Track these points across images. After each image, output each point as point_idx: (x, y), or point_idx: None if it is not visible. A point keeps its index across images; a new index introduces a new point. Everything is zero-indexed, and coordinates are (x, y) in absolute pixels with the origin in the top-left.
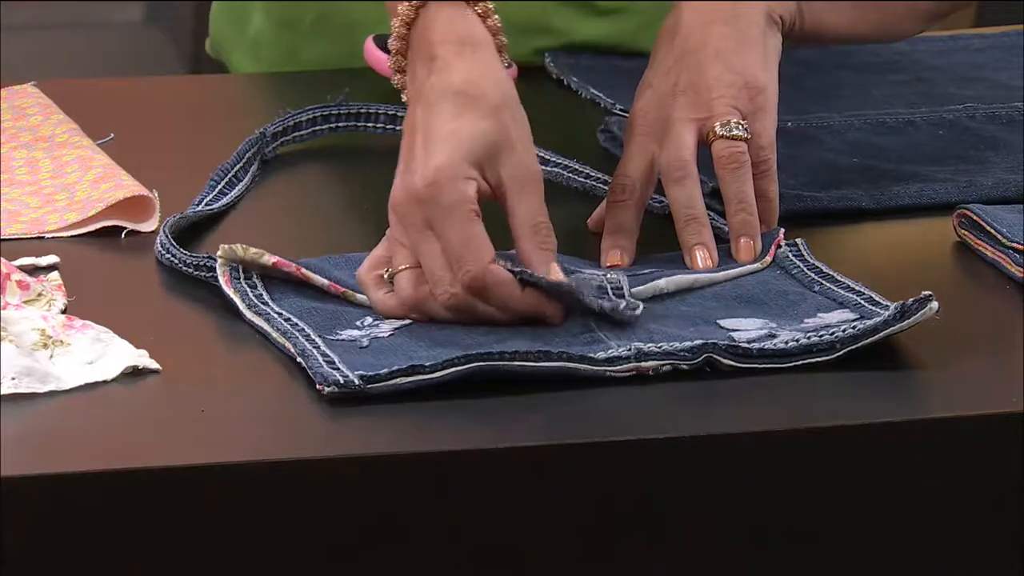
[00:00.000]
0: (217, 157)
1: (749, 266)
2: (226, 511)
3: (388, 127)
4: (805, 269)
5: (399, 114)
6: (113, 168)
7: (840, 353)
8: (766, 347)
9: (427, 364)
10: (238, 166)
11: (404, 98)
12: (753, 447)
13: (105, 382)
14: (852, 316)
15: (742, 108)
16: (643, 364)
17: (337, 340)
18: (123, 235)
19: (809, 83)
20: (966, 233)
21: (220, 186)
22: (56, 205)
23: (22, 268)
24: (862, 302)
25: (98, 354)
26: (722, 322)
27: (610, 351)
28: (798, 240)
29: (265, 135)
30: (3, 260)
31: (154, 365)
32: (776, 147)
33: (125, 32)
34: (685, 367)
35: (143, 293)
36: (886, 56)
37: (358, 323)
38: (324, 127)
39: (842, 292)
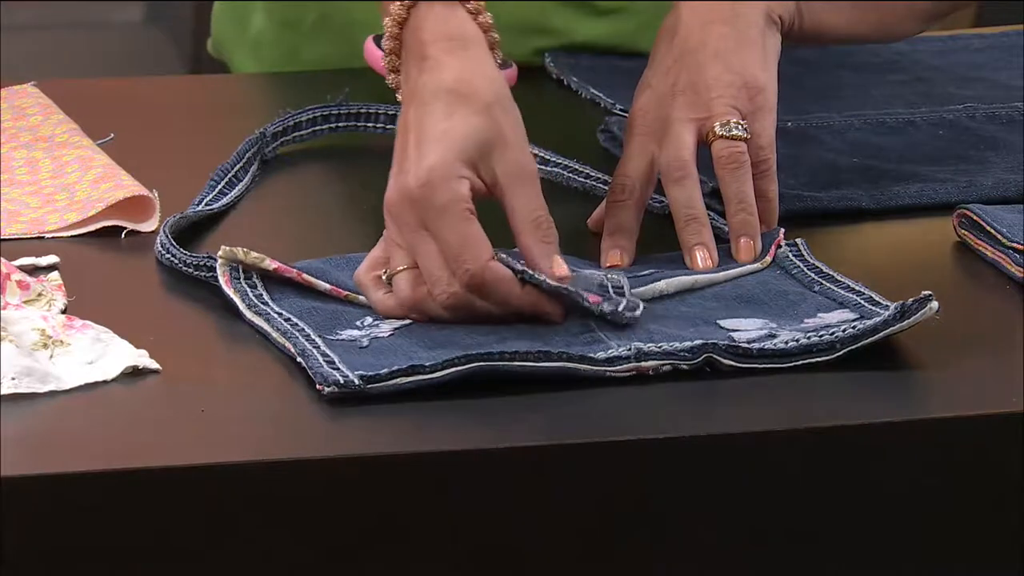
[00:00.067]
0: (217, 157)
1: (749, 266)
2: (226, 511)
3: (388, 127)
4: (805, 269)
5: (399, 114)
6: (113, 168)
7: (840, 353)
8: (766, 347)
9: (427, 364)
10: (238, 166)
11: (399, 98)
12: (753, 447)
13: (105, 382)
14: (852, 316)
15: (741, 108)
16: (643, 364)
17: (337, 340)
18: (123, 235)
19: (809, 83)
20: (966, 233)
21: (220, 186)
22: (56, 205)
23: (22, 268)
24: (862, 302)
25: (98, 354)
26: (722, 322)
27: (610, 351)
28: (798, 240)
29: (265, 135)
30: (3, 260)
31: (154, 365)
32: (776, 147)
33: (125, 32)
34: (685, 367)
35: (143, 293)
36: (886, 56)
37: (358, 323)
38: (324, 127)
39: (842, 292)
